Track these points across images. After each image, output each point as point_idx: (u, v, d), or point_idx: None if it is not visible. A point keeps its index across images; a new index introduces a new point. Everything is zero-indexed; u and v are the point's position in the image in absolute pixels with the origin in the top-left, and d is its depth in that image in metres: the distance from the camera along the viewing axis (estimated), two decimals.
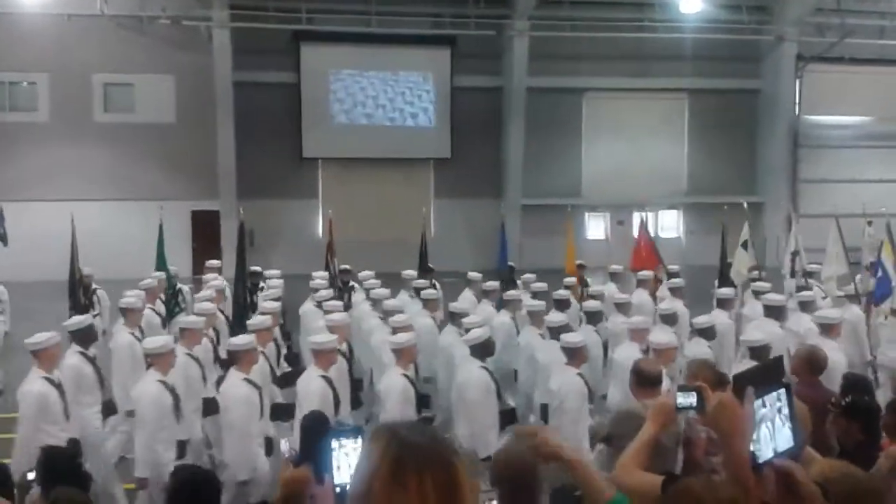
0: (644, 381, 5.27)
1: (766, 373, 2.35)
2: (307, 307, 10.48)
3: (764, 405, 2.10)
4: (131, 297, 9.05)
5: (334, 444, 1.73)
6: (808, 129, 26.33)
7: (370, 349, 8.71)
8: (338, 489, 1.70)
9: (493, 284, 10.78)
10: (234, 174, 22.89)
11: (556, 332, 7.84)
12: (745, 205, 15.04)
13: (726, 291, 10.41)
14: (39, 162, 22.36)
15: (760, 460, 2.09)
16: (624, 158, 25.42)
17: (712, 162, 26.01)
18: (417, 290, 10.49)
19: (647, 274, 11.52)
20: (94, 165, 22.72)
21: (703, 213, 23.84)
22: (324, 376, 6.81)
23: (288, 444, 4.49)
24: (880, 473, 3.22)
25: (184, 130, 23.19)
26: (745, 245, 12.49)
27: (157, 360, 6.62)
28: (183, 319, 7.93)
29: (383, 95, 24.52)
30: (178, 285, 11.42)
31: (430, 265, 12.60)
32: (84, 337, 7.49)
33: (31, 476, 4.28)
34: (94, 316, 11.34)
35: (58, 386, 6.61)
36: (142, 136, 22.98)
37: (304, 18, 22.98)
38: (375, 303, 9.72)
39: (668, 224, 26.55)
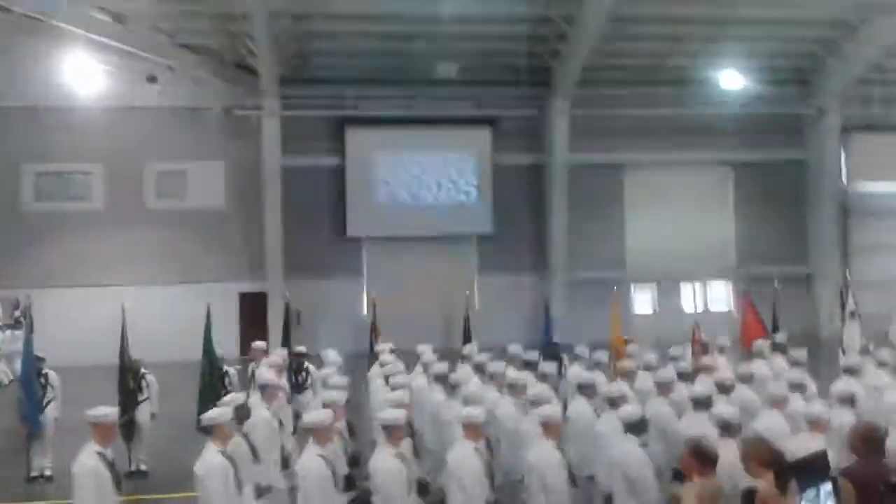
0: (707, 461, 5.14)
1: (813, 465, 2.29)
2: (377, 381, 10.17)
3: (815, 496, 2.05)
4: (267, 374, 9.08)
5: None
6: (857, 198, 25.96)
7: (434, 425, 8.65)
8: None
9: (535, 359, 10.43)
10: (281, 255, 23.28)
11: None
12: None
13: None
14: (95, 248, 23.05)
15: None
16: (669, 231, 25.28)
17: (760, 233, 25.72)
18: (479, 367, 10.08)
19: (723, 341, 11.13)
20: (145, 251, 23.31)
21: (754, 284, 23.37)
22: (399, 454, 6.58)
23: None
24: None
25: (233, 214, 23.82)
26: (853, 315, 12.30)
27: (317, 433, 6.57)
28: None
29: (426, 175, 24.92)
30: (225, 367, 11.49)
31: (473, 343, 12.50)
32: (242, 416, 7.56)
33: None
34: (143, 400, 11.50)
35: (231, 459, 6.64)
36: (192, 221, 23.63)
37: (350, 104, 23.69)
38: (437, 377, 9.40)
39: (717, 297, 26.10)
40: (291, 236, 23.36)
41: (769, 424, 7.11)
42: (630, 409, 6.96)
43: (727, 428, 6.58)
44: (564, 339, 14.53)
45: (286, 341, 11.40)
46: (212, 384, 11.15)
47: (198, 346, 11.61)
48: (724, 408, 7.08)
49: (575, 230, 24.50)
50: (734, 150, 25.25)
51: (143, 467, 11.30)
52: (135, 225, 23.40)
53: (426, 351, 10.61)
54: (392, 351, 11.72)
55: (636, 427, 6.65)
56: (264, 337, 16.14)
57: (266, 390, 8.40)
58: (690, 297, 25.93)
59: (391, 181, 24.76)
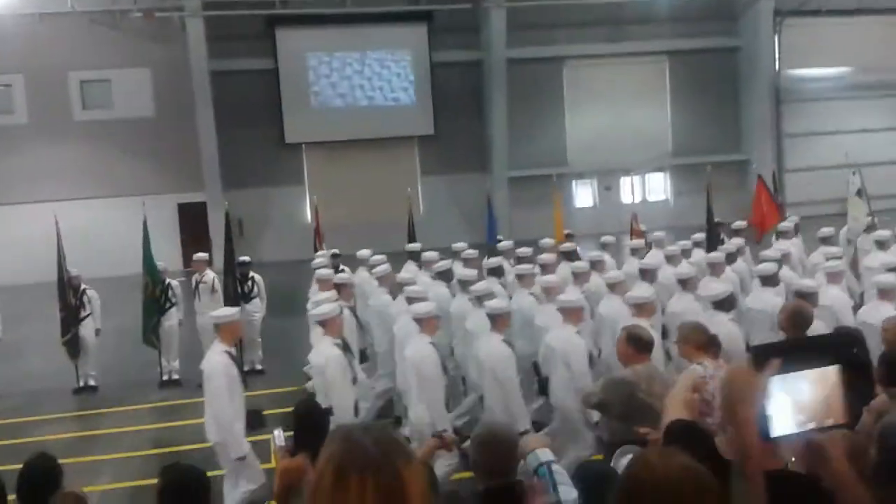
0: (641, 347, 5.32)
1: (809, 348, 2.30)
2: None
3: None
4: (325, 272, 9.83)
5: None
6: (789, 84, 26.29)
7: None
8: None
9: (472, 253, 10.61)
10: (218, 164, 22.77)
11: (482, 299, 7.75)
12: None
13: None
14: (21, 164, 22.20)
15: (775, 433, 2.08)
16: (608, 125, 25.37)
17: (696, 123, 25.98)
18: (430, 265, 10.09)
19: (638, 243, 11.41)
20: (76, 165, 22.55)
21: (690, 174, 23.84)
22: (432, 342, 6.87)
23: (282, 434, 4.45)
24: (864, 428, 3.23)
25: (164, 123, 23.02)
26: (859, 193, 12.92)
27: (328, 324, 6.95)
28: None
29: (362, 76, 24.39)
30: (167, 280, 11.38)
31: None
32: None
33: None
34: (86, 316, 11.35)
35: (345, 350, 7.02)
36: (122, 132, 22.83)
37: (278, 3, 22.77)
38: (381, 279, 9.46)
39: (656, 187, 26.56)
40: (228, 144, 22.81)
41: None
42: (569, 297, 7.31)
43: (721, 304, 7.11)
44: (508, 235, 14.71)
45: (229, 251, 11.27)
46: (154, 297, 11.07)
47: (137, 259, 11.48)
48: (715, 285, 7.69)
49: (515, 127, 24.43)
50: (669, 39, 25.19)
51: (91, 382, 11.27)
52: (62, 138, 22.53)
53: (370, 255, 10.67)
54: (334, 255, 11.78)
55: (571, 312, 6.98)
56: (206, 248, 15.97)
57: (342, 289, 8.82)
58: (629, 189, 26.32)
59: (327, 83, 24.18)
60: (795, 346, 2.37)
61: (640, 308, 6.88)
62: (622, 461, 3.21)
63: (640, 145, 25.62)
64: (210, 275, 11.56)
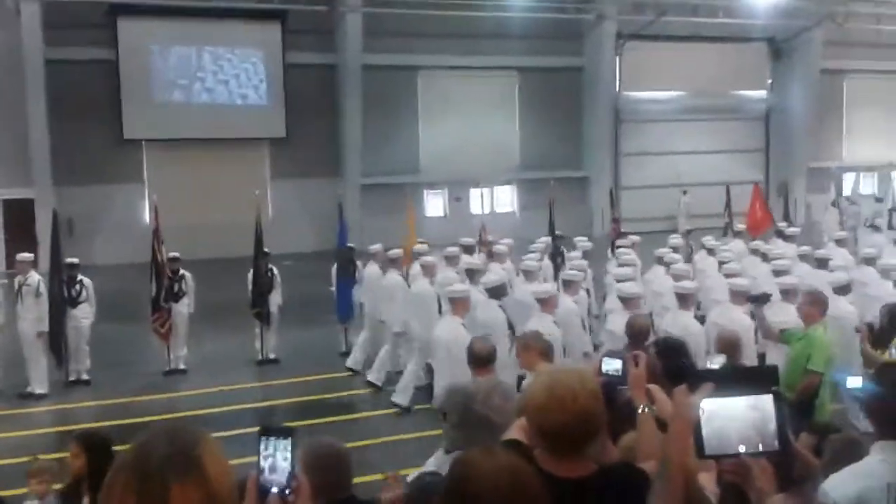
0: (478, 360, 5.41)
1: (749, 376, 2.42)
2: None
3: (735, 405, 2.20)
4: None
5: (263, 444, 1.65)
6: (628, 105, 27.79)
7: None
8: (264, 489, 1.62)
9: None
10: (49, 159, 21.25)
11: None
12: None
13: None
14: None
15: (711, 451, 2.15)
16: (460, 136, 25.81)
17: (543, 138, 26.93)
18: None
19: (501, 248, 11.72)
20: None
21: (536, 188, 24.62)
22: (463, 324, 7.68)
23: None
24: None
25: None
26: (834, 203, 15.20)
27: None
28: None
29: (210, 73, 23.54)
30: None
31: (266, 249, 12.24)
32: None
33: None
34: None
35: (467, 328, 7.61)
36: None
37: None
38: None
39: (504, 199, 27.27)
40: (61, 138, 21.33)
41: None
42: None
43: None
44: (359, 243, 14.63)
45: (55, 252, 10.52)
46: None
47: None
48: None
49: (369, 134, 24.38)
50: (520, 55, 25.96)
51: None
52: None
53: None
54: (172, 259, 11.34)
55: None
56: (33, 248, 14.82)
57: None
58: (479, 200, 26.87)
59: (172, 78, 23.14)
60: (732, 374, 2.53)
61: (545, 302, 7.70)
62: None
63: (491, 158, 26.25)
64: (35, 277, 10.71)
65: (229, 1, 22.61)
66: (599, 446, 2.63)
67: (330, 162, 24.55)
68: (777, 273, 9.22)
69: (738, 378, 2.33)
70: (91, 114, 21.93)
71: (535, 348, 5.61)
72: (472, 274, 9.48)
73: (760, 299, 7.07)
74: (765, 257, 10.97)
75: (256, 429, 1.68)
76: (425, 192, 26.14)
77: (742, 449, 2.23)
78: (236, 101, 23.84)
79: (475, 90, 26.23)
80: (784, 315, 7.43)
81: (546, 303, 7.77)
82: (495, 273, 9.46)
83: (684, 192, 25.67)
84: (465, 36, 24.92)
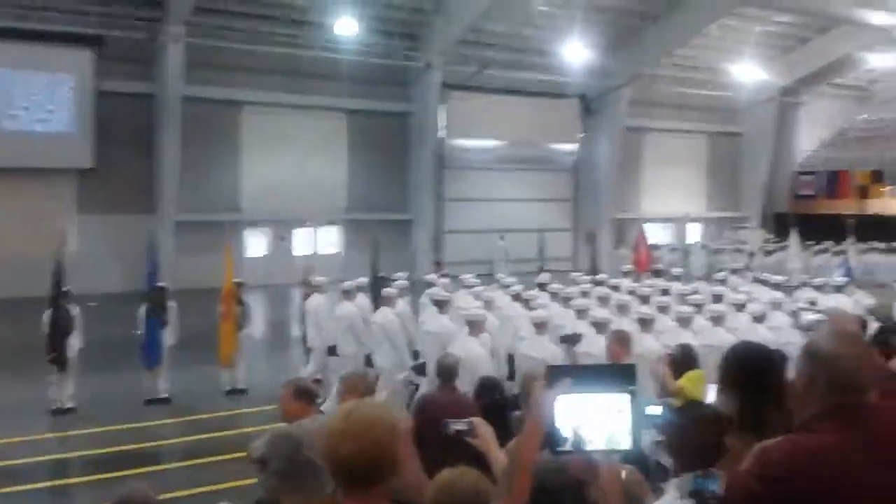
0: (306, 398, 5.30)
1: (608, 374, 2.45)
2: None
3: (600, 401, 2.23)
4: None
5: None
6: (452, 152, 28.61)
7: None
8: None
9: None
10: None
11: None
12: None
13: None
14: None
15: (565, 447, 2.23)
16: (285, 175, 25.36)
17: (370, 180, 27.08)
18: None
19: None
20: None
21: (361, 229, 24.63)
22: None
23: None
24: None
25: None
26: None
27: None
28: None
29: (13, 97, 21.75)
30: None
31: (65, 288, 11.32)
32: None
33: None
34: None
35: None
36: None
37: None
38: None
39: (329, 240, 27.05)
40: None
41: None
42: None
43: None
44: (173, 283, 13.92)
45: None
46: None
47: None
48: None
49: (188, 168, 23.38)
50: (348, 97, 26.10)
51: None
52: None
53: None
54: None
55: None
56: None
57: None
58: (303, 241, 26.48)
59: None
60: (591, 371, 2.54)
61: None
62: None
63: (317, 198, 26.02)
64: None
65: (43, 23, 21.08)
66: (402, 483, 2.57)
67: (144, 196, 23.23)
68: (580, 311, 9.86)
69: (596, 375, 2.38)
70: None
71: (359, 389, 5.54)
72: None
73: (571, 339, 7.40)
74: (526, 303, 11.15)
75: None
76: (247, 230, 25.41)
77: (594, 446, 2.27)
78: (39, 129, 22.12)
79: (302, 129, 25.98)
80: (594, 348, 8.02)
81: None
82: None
83: (501, 238, 26.66)
84: (292, 74, 24.72)
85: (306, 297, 12.55)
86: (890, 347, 5.44)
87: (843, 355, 2.37)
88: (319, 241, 26.78)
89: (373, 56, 24.99)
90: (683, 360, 6.74)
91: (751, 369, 3.14)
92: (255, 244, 25.72)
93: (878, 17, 28.59)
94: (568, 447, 2.27)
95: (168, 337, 11.65)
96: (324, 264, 20.68)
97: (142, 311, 11.66)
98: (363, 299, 11.52)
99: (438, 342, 9.35)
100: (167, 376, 11.55)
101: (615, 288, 12.32)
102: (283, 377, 6.23)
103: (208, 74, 23.33)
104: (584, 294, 11.82)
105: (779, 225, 25.67)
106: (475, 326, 8.70)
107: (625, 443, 2.31)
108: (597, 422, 2.28)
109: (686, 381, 6.41)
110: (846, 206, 32.75)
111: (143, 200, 23.13)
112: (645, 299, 10.92)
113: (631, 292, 11.83)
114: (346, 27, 23.36)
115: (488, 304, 10.35)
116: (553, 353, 8.40)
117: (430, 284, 12.60)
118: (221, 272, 13.34)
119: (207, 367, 12.25)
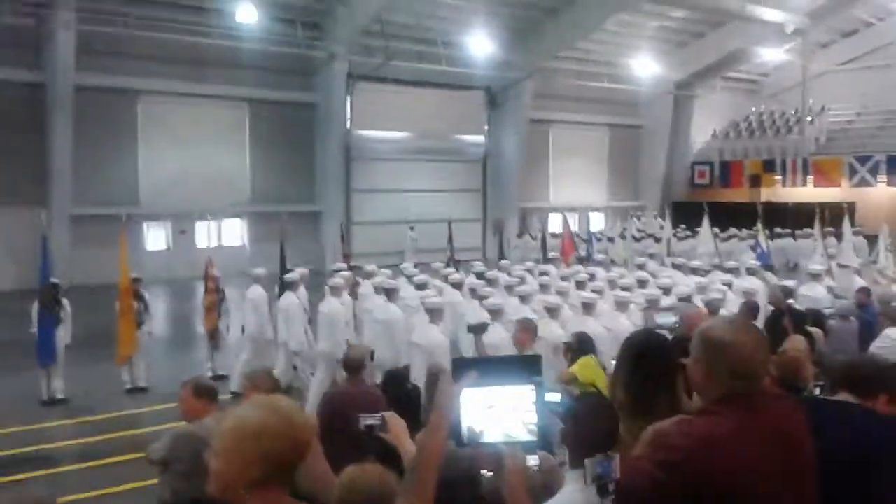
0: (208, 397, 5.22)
1: (514, 366, 2.44)
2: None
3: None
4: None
5: None
6: (359, 143, 28.41)
7: None
8: None
9: None
10: None
11: None
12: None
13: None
14: None
15: (470, 440, 2.26)
16: (185, 166, 24.64)
17: (275, 171, 26.62)
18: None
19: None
20: None
21: (267, 221, 24.21)
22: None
23: None
24: None
25: None
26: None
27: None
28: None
29: None
30: None
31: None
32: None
33: None
34: None
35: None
36: None
37: None
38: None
39: (232, 233, 26.46)
40: None
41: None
42: None
43: None
44: (68, 278, 13.37)
45: None
46: None
47: None
48: None
49: (81, 160, 22.41)
50: (251, 86, 25.53)
51: None
52: None
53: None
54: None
55: None
56: None
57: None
58: (205, 233, 25.79)
59: None
60: (497, 363, 2.54)
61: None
62: None
63: (219, 189, 25.35)
64: None
65: None
66: (308, 477, 2.55)
67: (34, 189, 22.09)
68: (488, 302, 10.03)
69: (502, 367, 2.41)
70: None
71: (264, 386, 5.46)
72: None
73: (478, 329, 7.50)
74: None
75: None
76: (145, 223, 24.57)
77: (499, 438, 2.30)
78: None
79: (202, 119, 25.27)
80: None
81: None
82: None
83: (411, 228, 26.69)
84: (191, 62, 23.99)
85: (209, 290, 12.35)
86: (783, 331, 5.75)
87: (739, 342, 2.42)
88: (223, 234, 26.16)
89: (275, 45, 24.50)
90: (580, 347, 6.93)
91: (644, 354, 3.23)
92: (156, 238, 24.92)
93: (769, 14, 30.01)
94: (465, 441, 2.30)
95: (62, 335, 11.19)
96: (228, 257, 20.24)
97: (35, 308, 11.16)
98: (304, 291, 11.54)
99: (387, 331, 9.62)
100: (64, 376, 11.10)
101: (544, 274, 12.90)
102: (185, 375, 6.02)
103: (102, 62, 22.39)
104: (491, 282, 11.99)
105: (676, 213, 26.68)
106: (435, 314, 8.89)
107: (531, 434, 2.34)
108: (502, 414, 2.31)
109: (578, 368, 6.60)
110: (740, 195, 34.25)
111: (33, 193, 21.97)
112: (547, 288, 11.15)
113: (563, 279, 12.43)
114: (247, 14, 22.81)
115: (391, 294, 10.34)
116: (441, 341, 8.65)
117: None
118: (118, 267, 12.90)
119: (106, 366, 11.82)
